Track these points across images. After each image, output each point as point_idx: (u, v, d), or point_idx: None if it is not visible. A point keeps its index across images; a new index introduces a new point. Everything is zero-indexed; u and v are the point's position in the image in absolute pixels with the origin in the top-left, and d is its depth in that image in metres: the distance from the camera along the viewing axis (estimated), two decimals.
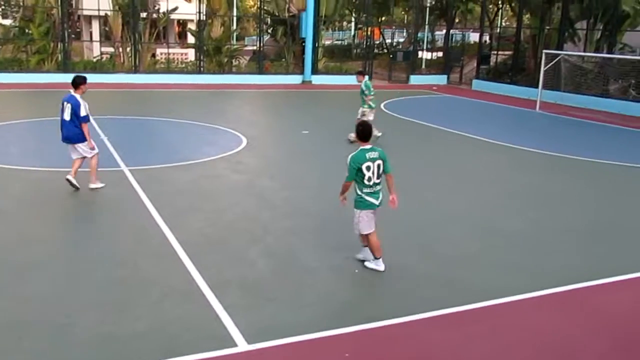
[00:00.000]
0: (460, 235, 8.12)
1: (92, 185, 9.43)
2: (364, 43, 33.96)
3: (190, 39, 32.31)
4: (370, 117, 13.11)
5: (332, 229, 8.07)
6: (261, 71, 29.24)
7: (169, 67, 28.57)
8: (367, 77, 14.41)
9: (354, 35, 42.46)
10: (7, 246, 7.11)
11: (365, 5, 32.41)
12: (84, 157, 9.32)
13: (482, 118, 20.23)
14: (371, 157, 6.41)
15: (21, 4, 27.38)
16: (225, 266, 6.73)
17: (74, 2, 29.49)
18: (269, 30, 33.59)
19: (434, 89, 28.37)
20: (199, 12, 28.50)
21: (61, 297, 5.86)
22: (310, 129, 15.72)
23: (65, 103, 9.08)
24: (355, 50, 38.60)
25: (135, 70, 26.88)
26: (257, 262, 6.87)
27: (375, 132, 11.57)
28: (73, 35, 30.99)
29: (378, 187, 6.55)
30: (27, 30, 27.21)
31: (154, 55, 29.43)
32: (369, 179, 6.42)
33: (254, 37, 37.04)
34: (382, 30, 39.53)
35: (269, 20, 32.66)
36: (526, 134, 16.91)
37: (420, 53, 34.06)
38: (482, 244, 7.82)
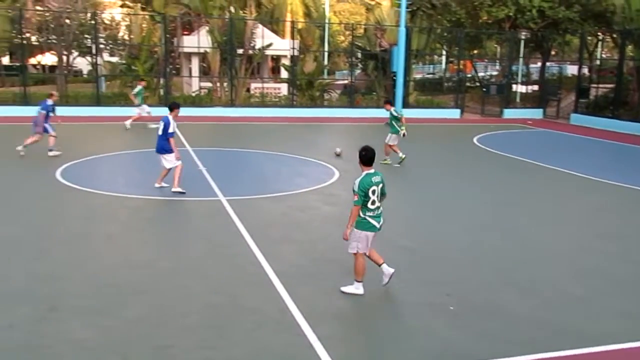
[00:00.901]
0: (559, 276, 7.77)
1: (175, 189, 11.18)
2: (456, 76, 33.66)
3: (284, 74, 33.23)
4: (395, 142, 15.20)
5: (427, 265, 7.96)
6: (352, 105, 29.57)
7: (263, 101, 29.48)
8: (393, 106, 15.92)
9: (445, 69, 42.21)
10: (114, 269, 7.49)
11: (457, 39, 32.21)
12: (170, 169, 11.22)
13: (581, 153, 19.43)
14: (376, 181, 6.61)
15: (128, 42, 29.24)
16: (319, 297, 6.77)
17: (175, 41, 31.22)
18: (360, 65, 34.03)
19: (529, 123, 27.56)
20: (293, 48, 29.32)
21: (162, 320, 6.09)
22: (403, 162, 15.67)
23: (160, 122, 11.12)
24: (446, 84, 38.32)
25: (231, 104, 27.93)
26: (351, 295, 6.86)
27: (400, 154, 15.07)
28: (174, 72, 32.70)
29: (380, 211, 6.73)
30: (132, 67, 29.01)
31: (248, 90, 30.52)
32: (373, 202, 6.59)
33: (345, 71, 37.65)
34: (474, 63, 39.04)
35: (360, 54, 33.11)
36: (630, 171, 16.05)
37: (514, 86, 33.29)
38: (583, 286, 7.44)
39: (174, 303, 6.52)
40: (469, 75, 37.93)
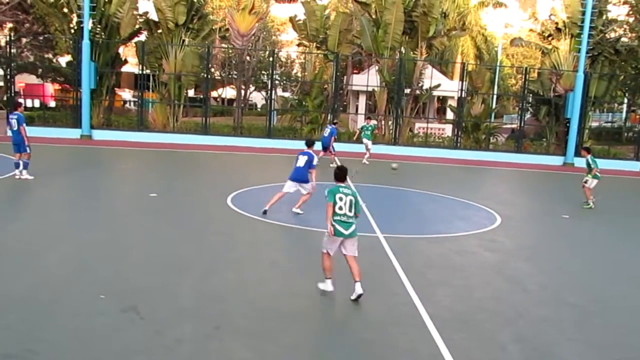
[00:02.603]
0: None
1: (295, 210, 12.53)
2: (638, 126, 31.02)
3: (449, 115, 32.92)
4: (592, 185, 15.84)
5: (593, 324, 7.34)
6: (519, 150, 28.43)
7: (427, 141, 29.38)
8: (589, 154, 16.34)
9: (625, 118, 39.18)
10: (276, 295, 7.79)
11: None
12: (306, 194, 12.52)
13: None
14: (344, 191, 7.64)
15: (300, 79, 30.80)
16: (474, 346, 6.49)
17: (345, 79, 32.34)
18: (531, 109, 32.71)
19: None
20: (461, 90, 29.02)
21: (319, 351, 6.21)
22: (571, 215, 14.70)
23: (301, 156, 12.48)
24: (626, 134, 35.47)
25: (394, 142, 28.18)
26: (508, 347, 6.50)
27: (591, 198, 15.71)
28: (341, 108, 33.82)
29: (349, 220, 7.55)
30: (303, 103, 30.47)
31: (411, 129, 30.61)
32: (340, 208, 7.51)
33: (514, 115, 36.36)
34: None
35: (531, 99, 31.85)
36: None
37: None
38: None
39: (330, 335, 6.62)
40: None
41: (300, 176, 12.44)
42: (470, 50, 45.20)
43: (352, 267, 7.65)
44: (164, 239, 10.28)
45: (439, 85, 29.92)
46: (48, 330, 6.26)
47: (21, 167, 14.72)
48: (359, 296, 7.46)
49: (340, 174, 7.85)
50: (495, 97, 36.07)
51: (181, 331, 6.47)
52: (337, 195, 7.56)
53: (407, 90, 29.28)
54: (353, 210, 7.61)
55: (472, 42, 45.06)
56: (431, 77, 29.30)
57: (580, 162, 26.99)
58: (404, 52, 29.50)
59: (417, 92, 29.56)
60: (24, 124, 14.75)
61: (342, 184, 7.77)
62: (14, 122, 14.66)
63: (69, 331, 6.28)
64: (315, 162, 12.66)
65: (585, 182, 15.92)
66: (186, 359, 5.85)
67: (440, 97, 36.47)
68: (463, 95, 29.18)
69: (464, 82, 28.85)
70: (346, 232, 7.54)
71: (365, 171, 20.56)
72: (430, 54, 31.95)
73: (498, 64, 40.56)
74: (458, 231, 12.08)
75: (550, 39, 31.89)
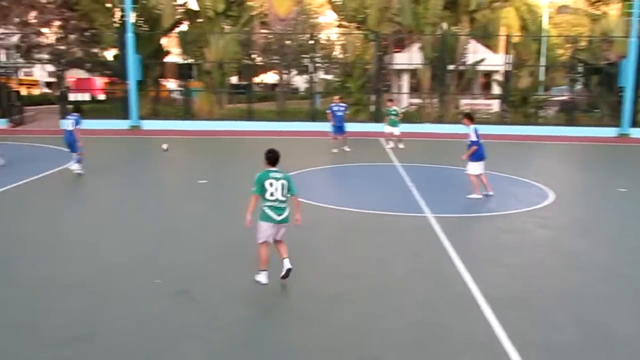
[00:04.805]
0: None
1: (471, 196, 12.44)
2: None
3: (496, 90, 32.23)
4: None
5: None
6: (571, 123, 27.64)
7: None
8: None
9: None
10: (326, 277, 7.82)
11: None
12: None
13: None
14: (274, 176, 7.31)
15: (342, 60, 30.63)
16: (529, 326, 6.36)
17: (387, 58, 31.98)
18: (582, 79, 31.70)
19: None
20: (507, 63, 28.33)
21: (369, 332, 6.19)
22: (629, 188, 14.22)
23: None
24: None
25: (440, 120, 27.79)
26: (564, 327, 6.35)
27: None
28: (384, 88, 33.52)
29: (281, 205, 7.32)
30: (345, 84, 30.30)
31: (457, 107, 30.10)
32: (272, 194, 7.26)
33: (564, 87, 35.35)
34: None
35: (581, 68, 30.85)
36: None
37: None
38: None
39: (380, 316, 6.60)
40: None
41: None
42: (515, 22, 43.93)
43: (281, 248, 7.51)
44: (215, 224, 10.43)
45: (483, 60, 29.27)
46: (108, 314, 6.47)
47: (74, 161, 15.13)
48: (289, 270, 7.33)
49: (273, 157, 7.45)
50: (543, 68, 35.01)
51: (235, 314, 6.57)
52: (267, 182, 7.25)
53: (451, 67, 28.76)
54: (285, 194, 7.32)
55: (516, 13, 43.78)
56: (475, 52, 28.69)
57: (636, 133, 26.19)
58: (445, 27, 28.96)
59: (461, 67, 28.99)
60: (79, 126, 15.02)
61: (273, 168, 7.41)
62: (70, 122, 14.94)
63: (128, 315, 6.47)
64: (474, 136, 12.48)
65: None
66: (241, 342, 5.94)
67: (486, 72, 35.70)
68: (509, 69, 28.48)
69: (510, 55, 28.14)
70: (278, 218, 7.32)
71: (411, 151, 20.36)
72: (473, 28, 31.30)
73: (544, 34, 39.31)
74: (509, 209, 11.84)
75: (599, 4, 30.76)
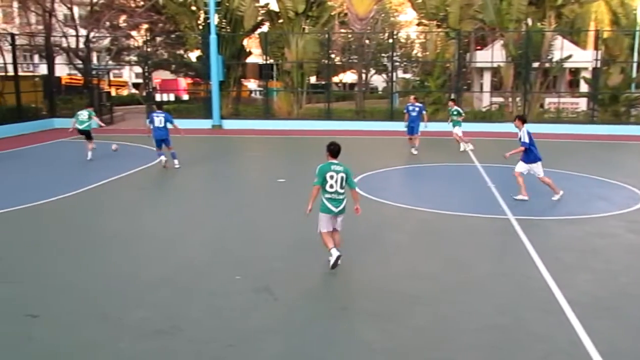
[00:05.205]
0: None
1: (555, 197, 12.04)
2: None
3: (583, 88, 30.90)
4: None
5: None
6: None
7: (559, 117, 27.79)
8: None
9: None
10: (400, 277, 7.77)
11: None
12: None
13: None
14: (335, 169, 7.62)
15: (421, 59, 30.26)
16: (618, 334, 6.07)
17: (468, 56, 31.31)
18: None
19: None
20: (596, 60, 27.09)
21: (445, 334, 6.09)
22: None
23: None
24: None
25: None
26: None
27: None
28: (465, 87, 32.83)
29: (340, 197, 7.63)
30: (425, 83, 29.92)
31: (542, 105, 29.08)
32: (331, 187, 7.58)
33: None
34: None
35: None
36: None
37: None
38: None
39: (457, 318, 6.48)
40: None
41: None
42: (605, 16, 41.89)
43: (336, 238, 7.85)
44: (293, 222, 10.56)
45: (570, 57, 28.08)
46: (191, 309, 6.68)
47: (172, 157, 16.05)
48: (338, 257, 7.61)
49: (334, 150, 7.80)
50: (635, 65, 33.21)
51: (312, 312, 6.65)
52: (328, 174, 7.59)
53: (536, 64, 27.79)
54: (343, 185, 7.64)
55: (606, 7, 41.74)
56: (562, 48, 27.61)
57: None
58: (530, 23, 28.02)
59: (547, 65, 27.97)
60: (175, 123, 16.05)
61: (334, 161, 7.74)
62: (160, 119, 15.68)
63: (210, 310, 6.67)
64: (527, 138, 12.20)
65: None
66: (318, 338, 5.99)
67: (573, 69, 34.25)
68: (598, 66, 27.21)
69: (599, 51, 26.89)
70: (336, 210, 7.66)
71: (490, 151, 19.85)
72: (560, 23, 30.13)
73: (638, 28, 37.27)
74: (597, 212, 11.33)
75: None
